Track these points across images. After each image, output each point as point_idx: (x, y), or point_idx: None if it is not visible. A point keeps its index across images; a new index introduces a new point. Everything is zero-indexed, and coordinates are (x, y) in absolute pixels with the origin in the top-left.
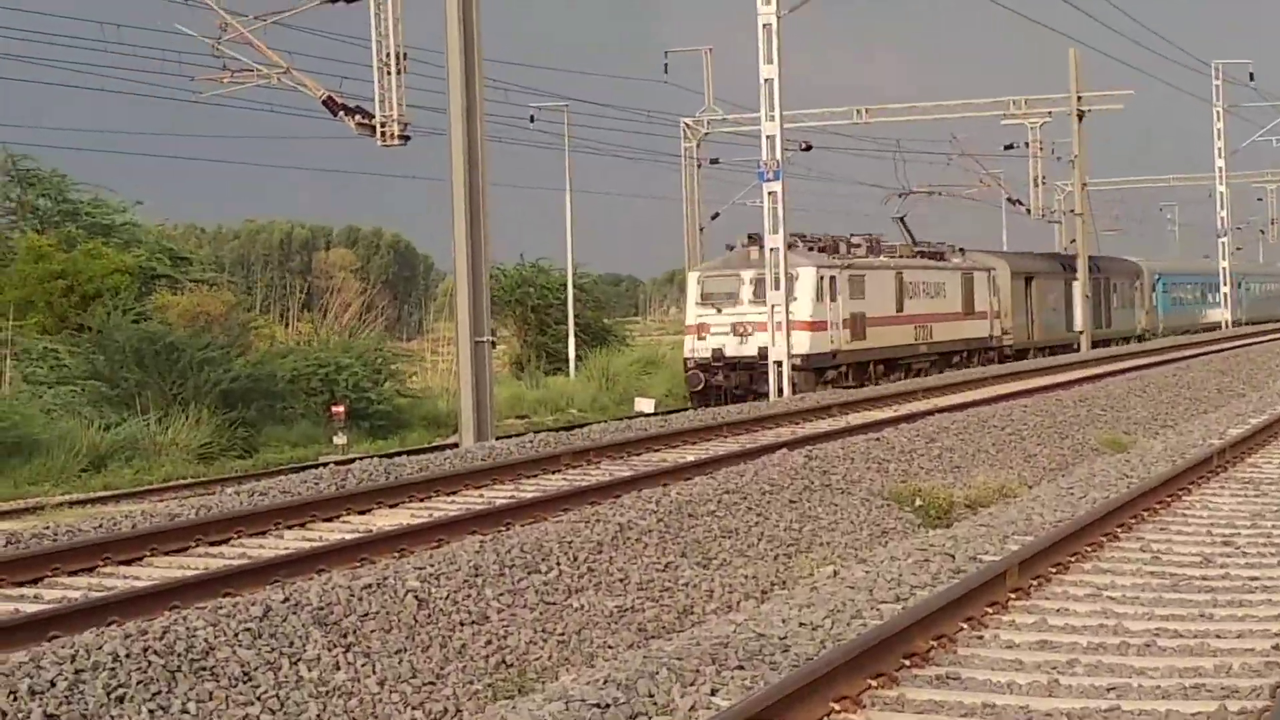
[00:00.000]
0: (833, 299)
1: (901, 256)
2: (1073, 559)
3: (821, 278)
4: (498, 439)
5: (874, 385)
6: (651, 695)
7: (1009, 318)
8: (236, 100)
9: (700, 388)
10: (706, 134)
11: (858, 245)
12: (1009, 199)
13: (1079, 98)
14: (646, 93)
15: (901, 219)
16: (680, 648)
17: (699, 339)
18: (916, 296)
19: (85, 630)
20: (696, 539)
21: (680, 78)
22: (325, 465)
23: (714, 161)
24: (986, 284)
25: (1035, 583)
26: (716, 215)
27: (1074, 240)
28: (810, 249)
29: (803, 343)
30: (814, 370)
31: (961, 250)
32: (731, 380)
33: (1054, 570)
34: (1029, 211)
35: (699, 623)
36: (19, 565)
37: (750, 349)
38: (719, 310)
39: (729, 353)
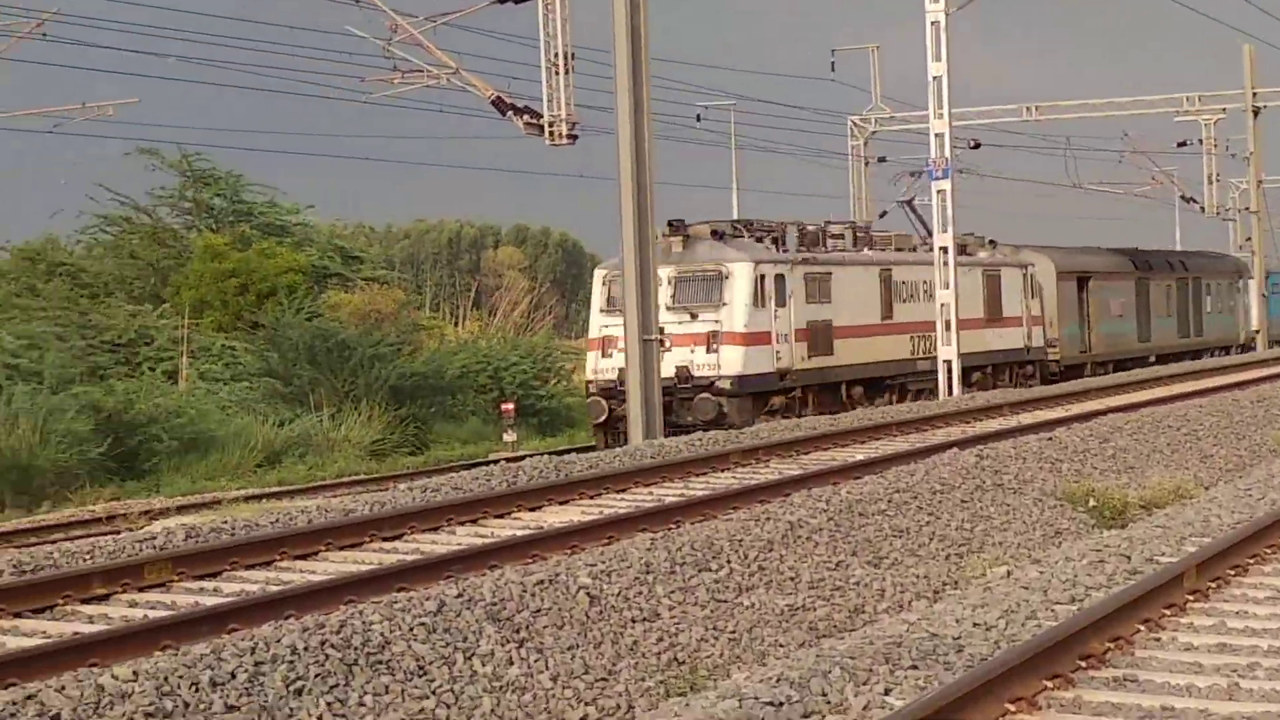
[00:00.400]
0: (780, 303)
1: (898, 249)
2: (1252, 561)
3: (761, 277)
4: (666, 437)
5: (849, 412)
6: (825, 694)
7: (1055, 326)
8: (406, 100)
9: (603, 419)
10: (874, 132)
11: (839, 236)
12: (1182, 197)
13: (1254, 94)
14: (813, 91)
15: (909, 203)
16: (853, 646)
17: (603, 356)
18: (913, 299)
19: (264, 623)
20: (867, 538)
21: (847, 76)
22: (496, 462)
23: (881, 160)
24: (1021, 284)
25: (1214, 585)
26: (884, 214)
27: (1249, 239)
28: (758, 239)
29: (733, 361)
30: (750, 396)
31: (991, 243)
32: None
33: (1233, 572)
34: (1203, 210)
35: (871, 622)
36: (199, 559)
37: (666, 368)
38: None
39: None
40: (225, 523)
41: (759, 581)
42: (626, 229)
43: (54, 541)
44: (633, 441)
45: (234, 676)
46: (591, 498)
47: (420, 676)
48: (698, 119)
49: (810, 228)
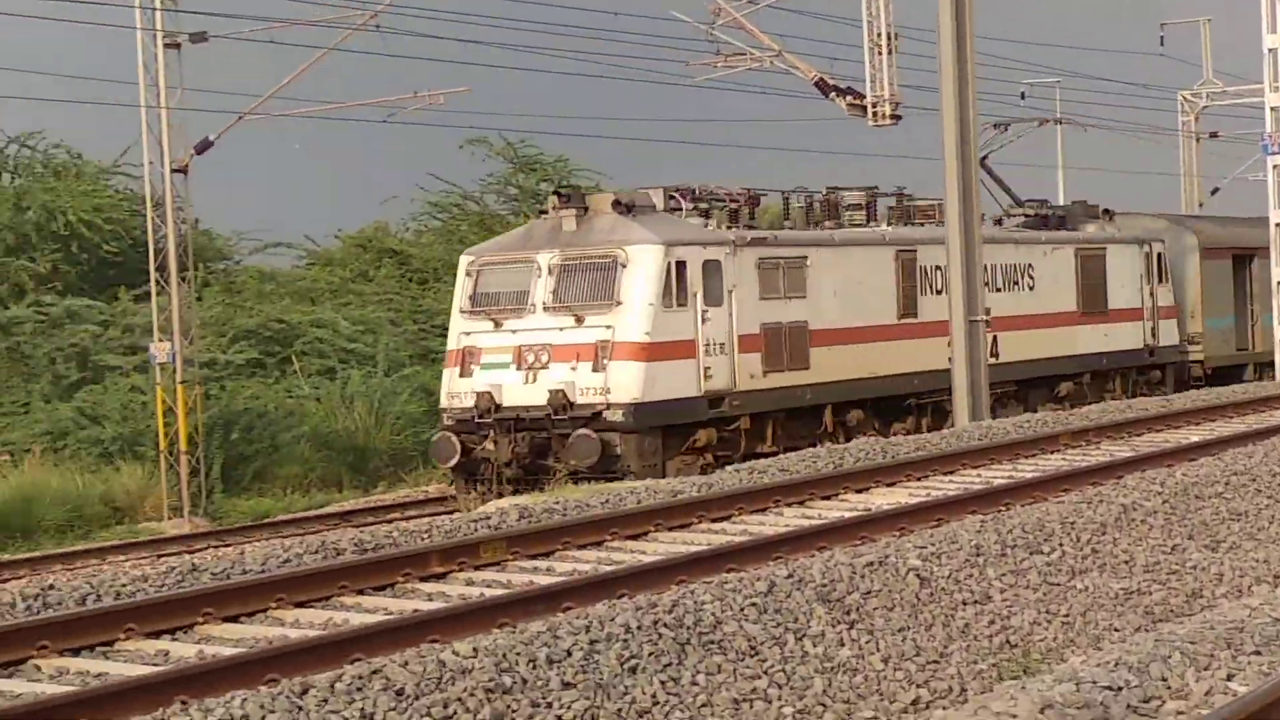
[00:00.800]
0: (712, 300)
1: (929, 221)
2: None
3: (676, 264)
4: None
5: (835, 443)
6: (1164, 679)
7: (1199, 318)
8: (728, 83)
9: (453, 462)
10: (1205, 107)
11: (856, 205)
12: None
13: None
14: (1141, 66)
15: (982, 162)
16: (1192, 631)
17: (462, 375)
18: (945, 289)
19: (597, 602)
20: (1204, 521)
21: (1177, 50)
22: (821, 445)
23: (1213, 135)
24: (1139, 265)
25: None
26: (1216, 190)
27: None
28: (703, 212)
29: (627, 382)
30: (657, 431)
31: (1106, 212)
32: (504, 450)
33: None
34: None
35: (1210, 606)
36: (532, 539)
37: (538, 393)
38: (497, 324)
39: (507, 400)
40: (557, 504)
41: (1092, 565)
42: (951, 208)
43: (391, 521)
44: (959, 424)
45: (570, 654)
46: (918, 480)
47: (752, 656)
48: (1021, 96)
49: (827, 196)
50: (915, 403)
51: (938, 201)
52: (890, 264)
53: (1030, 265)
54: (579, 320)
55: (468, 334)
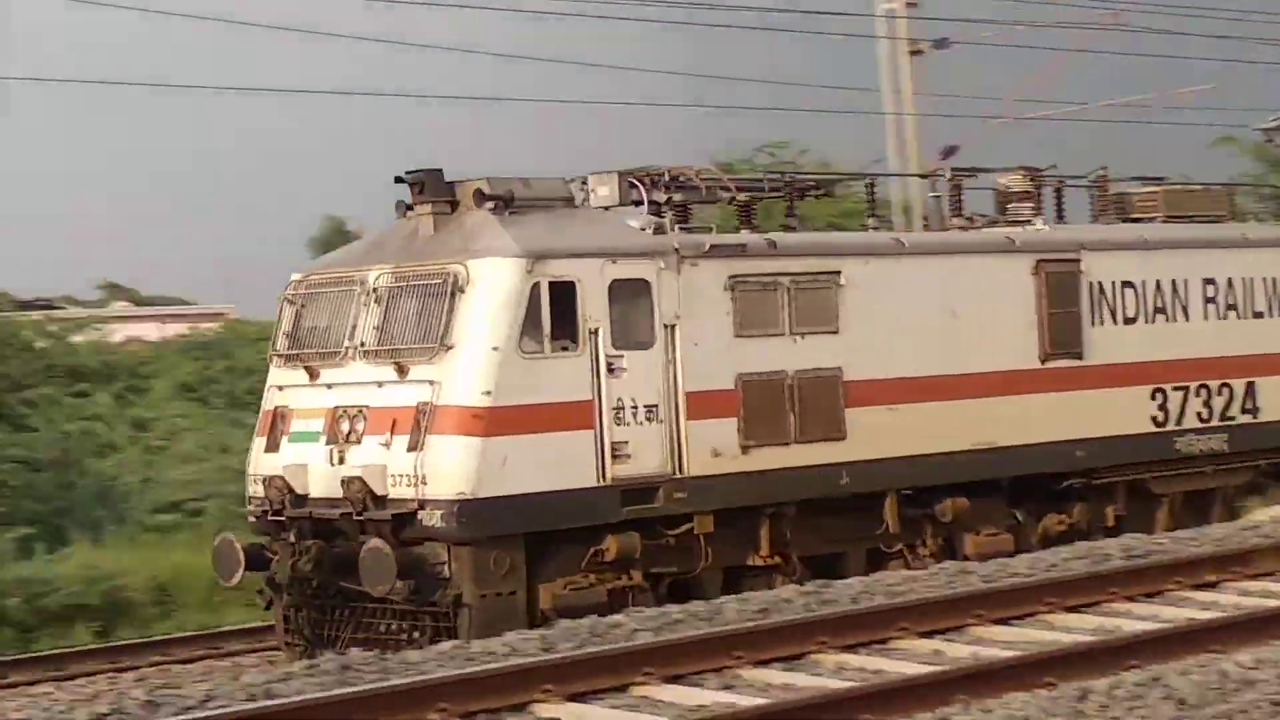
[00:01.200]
0: (626, 342)
1: (1186, 217)
2: None
3: (548, 287)
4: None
5: (912, 546)
6: None
7: None
8: None
9: (236, 578)
10: None
11: (1023, 195)
12: None
13: None
14: None
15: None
16: None
17: (268, 448)
18: (1144, 316)
19: None
20: None
21: None
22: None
23: None
24: None
25: None
26: None
27: None
28: (656, 209)
29: (451, 466)
30: (517, 541)
31: None
32: (283, 564)
33: None
34: None
35: None
36: None
37: (328, 482)
38: (312, 375)
39: (313, 487)
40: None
41: None
42: None
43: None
44: None
45: None
46: None
47: None
48: None
49: (952, 179)
50: (1084, 484)
51: (1161, 188)
52: (1024, 280)
53: (1267, 278)
54: (401, 371)
55: (280, 389)
